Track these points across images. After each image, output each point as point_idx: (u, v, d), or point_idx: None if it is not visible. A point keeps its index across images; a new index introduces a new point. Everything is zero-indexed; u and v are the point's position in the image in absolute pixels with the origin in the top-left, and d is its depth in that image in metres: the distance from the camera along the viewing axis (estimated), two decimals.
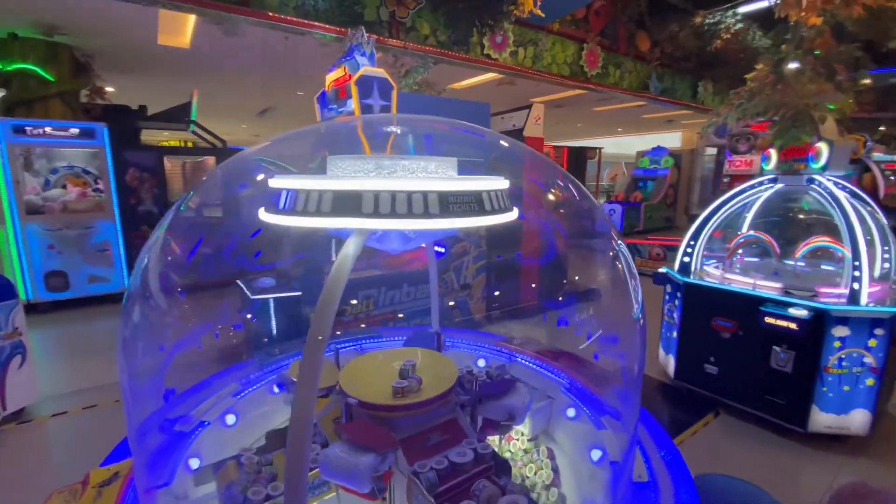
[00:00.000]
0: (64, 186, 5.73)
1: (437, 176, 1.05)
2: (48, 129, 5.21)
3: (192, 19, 5.15)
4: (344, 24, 4.45)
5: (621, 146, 19.20)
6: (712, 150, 8.38)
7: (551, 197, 1.57)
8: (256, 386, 1.64)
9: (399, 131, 1.45)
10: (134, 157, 5.78)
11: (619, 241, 1.30)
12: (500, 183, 1.06)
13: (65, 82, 5.91)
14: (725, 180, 6.38)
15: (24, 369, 3.04)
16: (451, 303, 4.43)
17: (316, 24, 4.28)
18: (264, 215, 1.02)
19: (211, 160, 7.87)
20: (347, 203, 0.89)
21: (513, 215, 1.07)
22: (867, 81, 3.35)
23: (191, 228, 1.53)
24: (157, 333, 1.36)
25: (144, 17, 4.89)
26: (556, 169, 1.62)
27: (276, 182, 1.01)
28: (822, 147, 2.88)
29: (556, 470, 1.44)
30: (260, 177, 1.14)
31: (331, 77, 4.05)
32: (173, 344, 1.47)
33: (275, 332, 3.33)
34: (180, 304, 1.40)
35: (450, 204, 0.93)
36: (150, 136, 6.52)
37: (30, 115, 5.61)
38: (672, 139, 16.98)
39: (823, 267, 3.40)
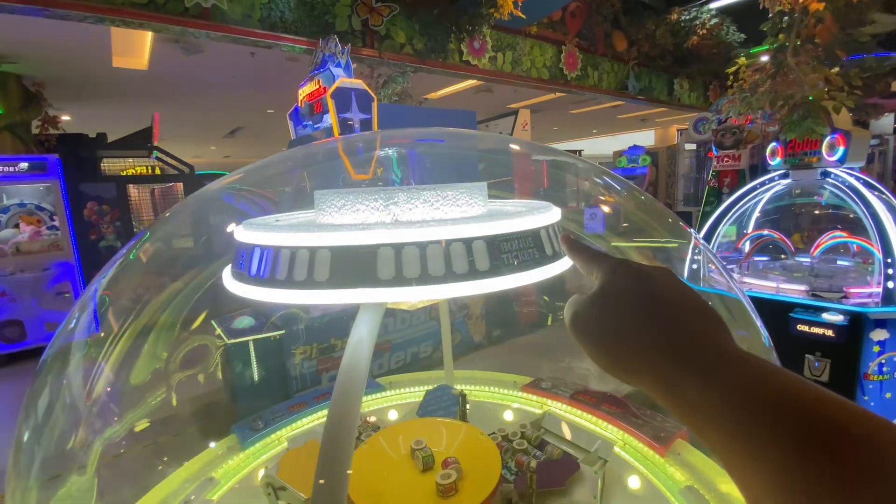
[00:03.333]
0: (17, 226, 5.24)
1: (474, 210, 0.76)
2: None
3: (148, 38, 4.79)
4: (314, 34, 4.16)
5: (596, 147, 19.34)
6: (692, 146, 8.36)
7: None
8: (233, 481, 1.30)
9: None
10: (92, 188, 5.32)
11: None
12: (554, 213, 0.78)
13: (14, 113, 5.45)
14: (712, 175, 6.27)
15: None
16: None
17: (284, 36, 3.98)
18: (233, 284, 0.71)
19: (178, 186, 7.44)
20: (356, 266, 0.59)
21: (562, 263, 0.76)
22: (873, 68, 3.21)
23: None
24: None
25: (97, 39, 4.52)
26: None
27: (245, 234, 0.71)
28: (839, 139, 2.71)
29: None
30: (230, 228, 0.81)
31: (304, 91, 3.75)
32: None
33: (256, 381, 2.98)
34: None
35: (503, 254, 0.64)
36: (113, 164, 6.06)
37: None
38: (646, 137, 17.17)
39: (840, 263, 3.24)
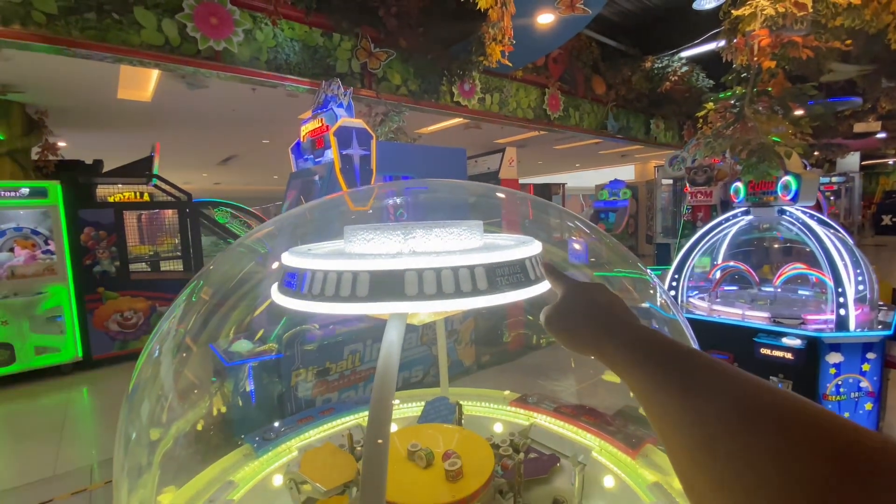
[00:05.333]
0: (11, 249, 5.29)
1: (472, 244, 0.97)
2: None
3: (155, 73, 5.04)
4: (316, 75, 4.46)
5: (579, 180, 20.03)
6: (668, 181, 8.82)
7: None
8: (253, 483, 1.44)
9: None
10: (90, 214, 5.42)
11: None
12: (536, 246, 1.00)
13: (16, 140, 5.59)
14: (686, 210, 6.65)
15: None
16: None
17: (288, 77, 4.27)
18: (285, 300, 0.90)
19: (168, 213, 7.55)
20: (388, 286, 0.79)
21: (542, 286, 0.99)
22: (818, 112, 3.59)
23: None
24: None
25: (105, 73, 4.74)
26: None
27: (296, 260, 0.91)
28: (791, 180, 3.03)
29: None
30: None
31: (306, 128, 4.01)
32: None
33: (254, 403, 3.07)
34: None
35: (497, 277, 0.85)
36: (102, 190, 6.18)
37: None
38: (626, 172, 17.89)
39: (801, 292, 3.52)
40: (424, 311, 0.80)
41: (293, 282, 0.91)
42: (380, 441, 0.73)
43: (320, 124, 3.64)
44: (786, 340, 2.76)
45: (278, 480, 1.45)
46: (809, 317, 2.92)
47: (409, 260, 0.81)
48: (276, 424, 1.72)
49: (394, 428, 1.79)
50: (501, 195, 1.73)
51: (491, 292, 0.83)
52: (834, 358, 2.69)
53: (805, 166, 7.69)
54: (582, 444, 1.59)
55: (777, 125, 3.30)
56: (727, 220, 3.49)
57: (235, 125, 7.80)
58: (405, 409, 1.92)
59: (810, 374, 2.71)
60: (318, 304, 0.82)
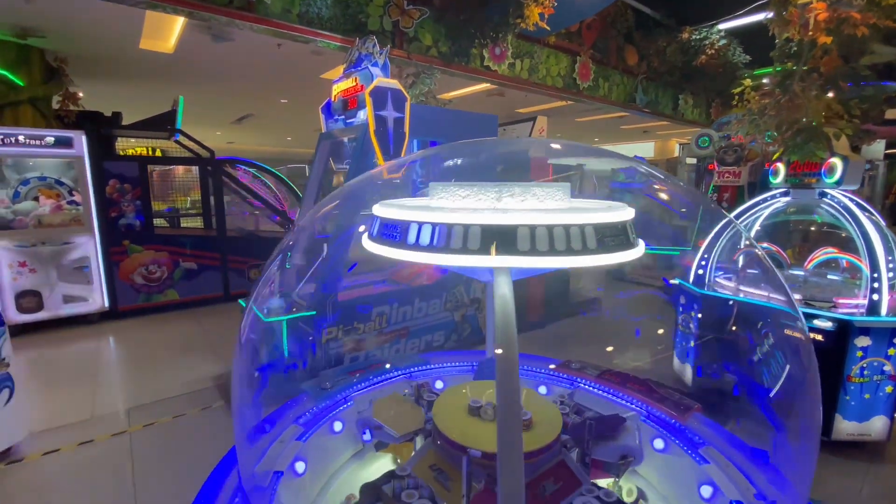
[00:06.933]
0: (36, 199, 5.33)
1: (562, 204, 0.97)
2: (21, 138, 4.84)
3: (179, 23, 4.91)
4: (347, 32, 4.34)
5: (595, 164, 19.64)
6: (693, 160, 8.66)
7: None
8: (316, 427, 1.50)
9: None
10: (114, 166, 5.43)
11: None
12: (631, 211, 1.00)
13: (36, 87, 5.53)
14: (712, 189, 6.56)
15: (12, 404, 2.75)
16: (460, 317, 4.34)
17: (322, 32, 4.15)
18: (386, 250, 0.91)
19: (178, 169, 7.55)
20: (501, 240, 0.80)
21: (642, 248, 0.99)
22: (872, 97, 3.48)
23: None
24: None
25: (128, 20, 4.63)
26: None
27: (400, 213, 0.91)
28: (837, 163, 2.97)
29: None
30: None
31: (338, 87, 3.93)
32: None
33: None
34: None
35: (605, 238, 0.85)
36: (125, 144, 6.15)
37: None
38: (646, 149, 17.53)
39: (831, 277, 3.51)
40: (536, 265, 0.81)
41: (395, 233, 0.92)
42: (511, 391, 0.76)
43: (354, 83, 3.56)
44: (817, 322, 2.78)
45: (341, 426, 1.51)
46: (840, 300, 2.92)
47: (520, 216, 0.82)
48: (330, 374, 1.78)
49: (446, 386, 1.85)
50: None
51: (599, 252, 0.84)
52: (862, 341, 2.71)
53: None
54: (630, 409, 1.63)
55: (827, 105, 3.20)
56: (764, 200, 3.44)
57: (256, 82, 7.66)
58: (450, 368, 1.97)
59: (837, 356, 2.74)
60: (425, 255, 0.84)
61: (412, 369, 1.94)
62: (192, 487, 1.79)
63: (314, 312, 3.25)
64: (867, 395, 2.76)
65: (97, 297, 5.32)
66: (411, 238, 0.87)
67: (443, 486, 1.13)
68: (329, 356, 3.37)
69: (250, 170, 7.26)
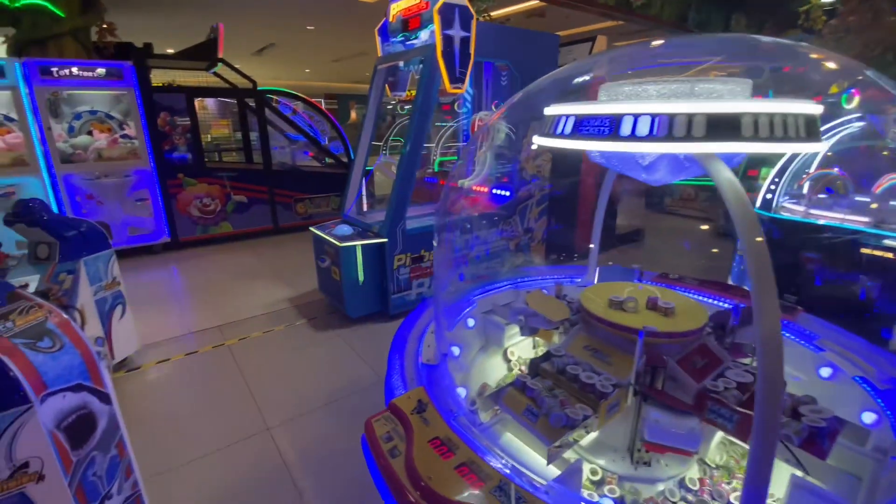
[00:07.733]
0: (89, 133, 5.42)
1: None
2: (74, 70, 4.84)
3: None
4: None
5: None
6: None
7: None
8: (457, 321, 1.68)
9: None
10: (164, 98, 5.44)
11: None
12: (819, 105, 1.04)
13: (75, 19, 5.42)
14: None
15: (125, 318, 3.04)
16: (514, 246, 4.47)
17: None
18: (598, 144, 1.00)
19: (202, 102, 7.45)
20: (726, 127, 0.88)
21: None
22: None
23: None
24: None
25: None
26: None
27: (613, 107, 0.98)
28: None
29: None
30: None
31: (397, 6, 3.80)
32: None
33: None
34: None
35: (811, 126, 0.92)
36: (163, 76, 6.04)
37: (43, 54, 5.19)
38: None
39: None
40: (759, 151, 0.89)
41: (602, 128, 1.00)
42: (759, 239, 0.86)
43: (418, 0, 3.44)
44: (888, 242, 2.83)
45: (470, 324, 1.69)
46: None
47: (742, 104, 0.89)
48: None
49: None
50: None
51: (808, 140, 0.91)
52: None
53: None
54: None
55: None
56: (841, 125, 3.35)
57: (283, 6, 7.36)
58: (547, 279, 2.12)
59: None
60: (648, 145, 0.92)
61: (517, 280, 2.11)
62: (301, 385, 2.10)
63: (385, 240, 3.41)
64: None
65: (160, 228, 5.56)
66: (625, 130, 0.95)
67: (602, 362, 1.30)
68: (398, 281, 3.58)
69: (296, 102, 7.17)
